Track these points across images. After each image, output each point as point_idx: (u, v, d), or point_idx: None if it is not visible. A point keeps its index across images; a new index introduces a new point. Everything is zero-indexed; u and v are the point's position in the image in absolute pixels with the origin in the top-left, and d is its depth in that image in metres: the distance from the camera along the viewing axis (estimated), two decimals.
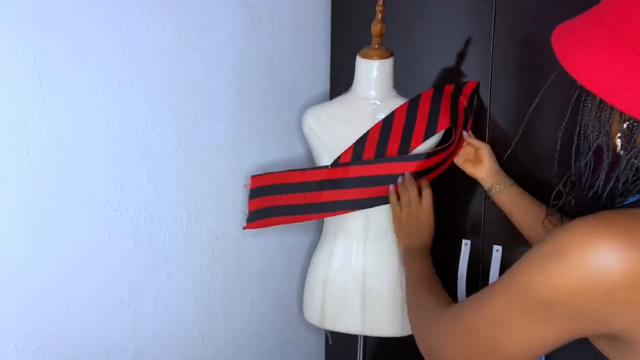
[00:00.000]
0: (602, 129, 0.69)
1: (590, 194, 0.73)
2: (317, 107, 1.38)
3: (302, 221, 1.38)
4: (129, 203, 1.17)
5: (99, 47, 1.06)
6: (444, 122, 1.28)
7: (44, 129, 1.00)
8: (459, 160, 1.31)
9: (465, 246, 1.43)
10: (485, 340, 0.70)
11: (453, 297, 1.43)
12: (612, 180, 0.69)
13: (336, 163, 1.31)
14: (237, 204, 1.43)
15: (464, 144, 1.31)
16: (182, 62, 1.23)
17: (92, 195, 1.10)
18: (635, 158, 0.67)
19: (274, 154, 1.51)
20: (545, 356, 0.73)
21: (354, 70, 1.33)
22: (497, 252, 1.38)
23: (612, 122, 0.68)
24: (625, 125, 0.66)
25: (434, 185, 1.30)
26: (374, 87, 1.31)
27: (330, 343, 1.71)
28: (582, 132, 0.73)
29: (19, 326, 1.02)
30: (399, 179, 1.26)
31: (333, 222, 1.38)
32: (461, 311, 0.76)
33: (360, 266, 1.37)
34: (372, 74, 1.30)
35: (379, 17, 1.26)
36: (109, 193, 1.13)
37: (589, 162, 0.72)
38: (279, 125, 1.51)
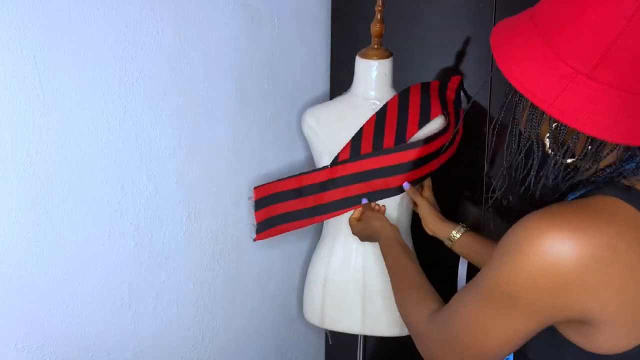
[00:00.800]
0: (532, 129, 0.73)
1: (521, 190, 0.77)
2: (317, 107, 1.38)
3: (309, 225, 1.38)
4: (129, 203, 1.17)
5: (99, 47, 1.06)
6: (436, 109, 1.29)
7: (44, 129, 1.00)
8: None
9: None
10: (470, 342, 0.74)
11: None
12: (542, 178, 0.74)
13: (335, 162, 1.31)
14: (238, 204, 1.43)
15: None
16: (182, 62, 1.23)
17: (92, 195, 1.10)
18: (563, 157, 0.71)
19: (274, 154, 1.52)
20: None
21: (354, 70, 1.33)
22: None
23: (542, 122, 0.72)
24: (554, 126, 0.70)
25: (435, 185, 1.30)
26: (374, 87, 1.32)
27: (330, 343, 1.71)
28: (514, 130, 0.77)
29: (19, 326, 1.02)
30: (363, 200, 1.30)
31: (333, 222, 1.38)
32: (442, 321, 0.80)
33: (360, 266, 1.37)
34: (372, 74, 1.31)
35: (378, 17, 1.26)
36: (109, 193, 1.13)
37: (521, 160, 0.77)
38: (279, 125, 1.51)
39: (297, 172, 1.36)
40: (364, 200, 1.30)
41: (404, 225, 1.39)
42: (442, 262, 1.50)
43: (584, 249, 0.63)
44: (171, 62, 1.21)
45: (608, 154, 0.70)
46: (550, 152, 0.73)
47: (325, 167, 1.32)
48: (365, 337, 1.52)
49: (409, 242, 1.39)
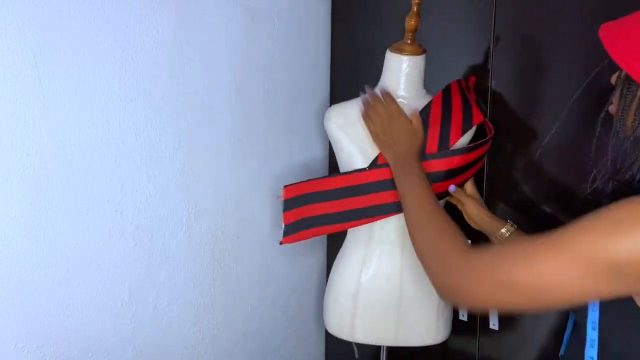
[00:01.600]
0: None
1: (626, 177, 0.80)
2: (343, 106, 1.30)
3: (342, 230, 1.29)
4: (129, 203, 1.17)
5: (99, 47, 1.07)
6: (477, 115, 1.24)
7: (44, 129, 1.00)
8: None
9: None
10: (531, 292, 0.76)
11: None
12: None
13: (374, 164, 1.22)
14: (238, 204, 1.43)
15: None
16: (182, 62, 1.23)
17: (92, 195, 1.10)
18: None
19: (274, 154, 1.51)
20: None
21: (353, 70, 1.33)
22: None
23: None
24: None
25: None
26: (403, 85, 1.25)
27: (357, 357, 1.58)
28: (622, 119, 0.79)
29: (19, 326, 1.02)
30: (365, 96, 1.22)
31: (364, 228, 1.29)
32: (500, 262, 0.79)
33: (396, 274, 1.30)
34: (402, 71, 1.24)
35: (415, 10, 1.20)
36: (109, 193, 1.13)
37: (630, 146, 0.79)
38: (279, 125, 1.51)
39: (330, 174, 1.30)
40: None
41: None
42: None
43: None
44: (171, 62, 1.21)
45: None
46: None
47: (363, 169, 1.23)
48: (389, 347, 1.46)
49: None
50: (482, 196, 1.39)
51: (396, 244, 1.28)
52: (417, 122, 1.18)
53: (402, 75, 1.24)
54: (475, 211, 1.22)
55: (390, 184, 1.20)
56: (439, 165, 1.19)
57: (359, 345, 1.47)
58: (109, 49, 1.08)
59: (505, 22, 1.30)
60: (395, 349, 1.48)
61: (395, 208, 1.21)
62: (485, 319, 1.41)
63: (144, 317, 1.25)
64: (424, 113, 1.22)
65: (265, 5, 1.41)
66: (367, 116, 1.20)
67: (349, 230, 1.33)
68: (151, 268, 1.24)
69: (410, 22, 1.21)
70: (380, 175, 1.22)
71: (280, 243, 1.29)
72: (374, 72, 1.44)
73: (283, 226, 1.28)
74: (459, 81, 1.31)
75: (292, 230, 1.28)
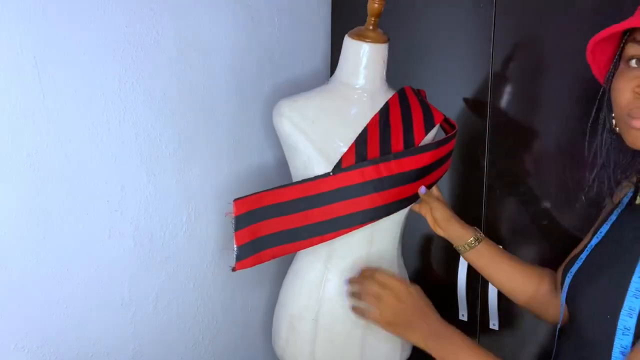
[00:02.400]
0: None
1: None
2: (297, 100, 1.14)
3: (308, 247, 1.12)
4: (129, 203, 1.17)
5: (99, 47, 1.06)
6: (438, 114, 1.18)
7: (44, 129, 1.00)
8: (421, 211, 1.19)
9: None
10: None
11: (452, 299, 1.43)
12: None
13: (339, 168, 1.08)
14: None
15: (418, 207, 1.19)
16: (182, 62, 1.23)
17: (92, 195, 1.10)
18: None
19: (274, 154, 1.51)
20: None
21: None
22: None
23: None
24: None
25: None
26: (363, 75, 1.12)
27: None
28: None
29: (19, 326, 1.02)
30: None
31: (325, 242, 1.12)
32: None
33: None
34: (362, 60, 1.11)
35: None
36: (109, 193, 1.13)
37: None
38: None
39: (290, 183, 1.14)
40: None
41: (396, 247, 1.25)
42: (441, 264, 1.50)
43: None
44: (171, 62, 1.21)
45: None
46: None
47: (327, 175, 1.09)
48: None
49: (400, 258, 1.29)
50: (482, 197, 1.39)
51: (362, 257, 1.15)
52: (416, 291, 1.02)
53: (362, 64, 1.12)
54: (444, 215, 1.14)
55: (360, 190, 1.08)
56: (410, 163, 1.09)
57: None
58: (109, 49, 1.08)
59: (505, 22, 1.30)
60: None
61: (364, 218, 1.09)
62: (485, 319, 1.41)
63: (144, 317, 1.25)
64: (383, 113, 1.13)
65: (265, 5, 1.41)
66: (362, 309, 1.06)
67: None
68: (151, 268, 1.24)
69: (373, 5, 1.08)
70: (346, 180, 1.08)
71: (233, 269, 1.10)
72: None
73: (235, 248, 1.09)
74: (411, 87, 1.25)
75: (247, 253, 1.10)
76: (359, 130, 1.12)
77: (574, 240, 1.06)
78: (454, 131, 1.19)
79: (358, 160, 1.08)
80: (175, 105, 1.23)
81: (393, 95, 1.16)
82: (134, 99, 1.14)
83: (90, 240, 1.11)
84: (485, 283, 1.40)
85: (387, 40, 1.15)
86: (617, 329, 0.76)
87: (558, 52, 1.26)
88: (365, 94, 1.13)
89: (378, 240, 1.19)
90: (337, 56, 1.61)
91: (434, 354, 0.96)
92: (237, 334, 1.51)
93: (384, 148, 1.10)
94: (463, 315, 1.44)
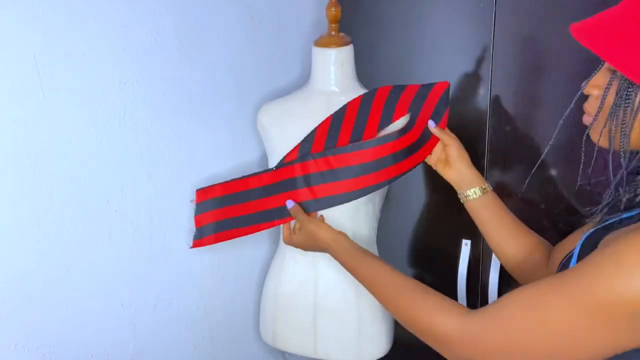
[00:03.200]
0: None
1: (625, 199, 0.73)
2: (272, 103, 1.26)
3: (254, 232, 1.25)
4: (129, 203, 1.17)
5: (99, 47, 1.06)
6: (400, 111, 1.17)
7: (44, 129, 1.00)
8: (431, 161, 1.14)
9: (466, 246, 1.43)
10: (549, 351, 0.69)
11: (452, 295, 1.43)
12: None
13: (281, 164, 1.20)
14: None
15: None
16: (182, 62, 1.23)
17: (92, 195, 1.10)
18: None
19: None
20: None
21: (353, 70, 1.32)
22: None
23: None
24: None
25: (436, 184, 1.30)
26: (334, 80, 1.19)
27: None
28: (625, 134, 0.71)
29: (19, 326, 1.02)
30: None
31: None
32: (502, 323, 0.73)
33: (311, 281, 1.27)
34: (330, 65, 1.17)
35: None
36: (109, 193, 1.13)
37: (634, 168, 0.71)
38: None
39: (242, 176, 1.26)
40: (290, 203, 1.17)
41: (365, 236, 1.29)
42: (442, 263, 1.50)
43: None
44: (171, 62, 1.21)
45: None
46: None
47: (270, 170, 1.21)
48: None
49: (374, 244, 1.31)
50: None
51: (310, 253, 1.20)
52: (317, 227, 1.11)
53: (330, 69, 1.18)
54: (459, 153, 1.08)
55: (297, 183, 1.18)
56: (353, 158, 1.13)
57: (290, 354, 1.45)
58: (109, 49, 1.08)
59: (505, 22, 1.30)
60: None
61: (307, 209, 1.17)
62: None
63: (144, 317, 1.25)
64: (338, 115, 1.18)
65: (265, 5, 1.41)
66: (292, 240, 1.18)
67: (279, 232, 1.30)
68: (151, 268, 1.24)
69: (330, 12, 1.14)
70: (286, 174, 1.19)
71: (190, 247, 1.26)
72: (374, 72, 1.44)
73: (194, 230, 1.25)
74: (423, 85, 1.22)
75: (202, 234, 1.25)
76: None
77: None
78: (402, 128, 1.16)
79: (301, 156, 1.19)
80: (175, 105, 1.23)
81: (355, 98, 1.19)
82: (134, 99, 1.14)
83: (90, 241, 1.11)
84: (485, 278, 1.40)
85: (350, 42, 1.21)
86: None
87: (558, 51, 1.26)
88: (342, 97, 1.19)
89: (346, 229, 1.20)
90: None
91: (348, 269, 1.04)
92: (237, 334, 1.51)
93: (329, 144, 1.18)
94: None
